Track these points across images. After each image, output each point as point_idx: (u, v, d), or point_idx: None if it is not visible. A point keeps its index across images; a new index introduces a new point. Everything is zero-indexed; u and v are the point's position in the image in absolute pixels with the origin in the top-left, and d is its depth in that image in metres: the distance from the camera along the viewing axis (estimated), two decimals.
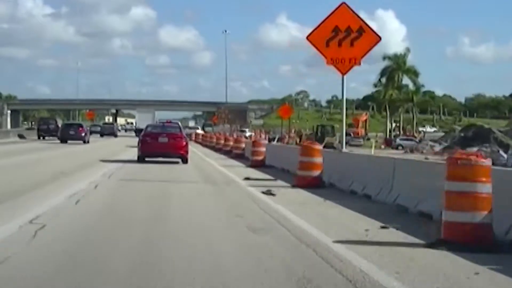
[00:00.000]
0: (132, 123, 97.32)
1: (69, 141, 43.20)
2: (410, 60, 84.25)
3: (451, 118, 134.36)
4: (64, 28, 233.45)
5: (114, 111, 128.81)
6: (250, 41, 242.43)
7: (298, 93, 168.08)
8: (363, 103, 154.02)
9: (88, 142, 45.13)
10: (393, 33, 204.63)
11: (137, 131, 53.20)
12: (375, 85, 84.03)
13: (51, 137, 50.02)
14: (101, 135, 67.48)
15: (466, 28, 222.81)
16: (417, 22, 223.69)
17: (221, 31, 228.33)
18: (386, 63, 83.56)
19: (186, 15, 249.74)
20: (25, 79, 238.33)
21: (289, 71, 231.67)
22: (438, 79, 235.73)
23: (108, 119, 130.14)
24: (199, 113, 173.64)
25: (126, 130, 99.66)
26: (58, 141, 44.22)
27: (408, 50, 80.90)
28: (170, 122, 28.59)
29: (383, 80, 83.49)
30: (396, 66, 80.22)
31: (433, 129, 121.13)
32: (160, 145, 24.05)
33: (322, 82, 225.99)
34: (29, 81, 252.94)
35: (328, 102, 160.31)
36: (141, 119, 67.29)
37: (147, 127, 26.59)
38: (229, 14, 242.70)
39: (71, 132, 45.36)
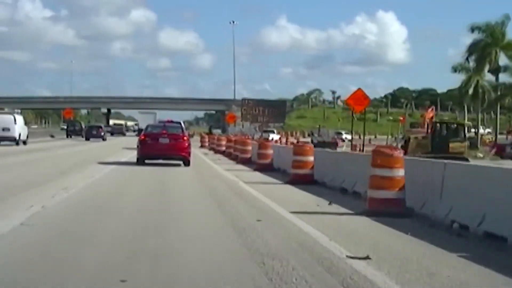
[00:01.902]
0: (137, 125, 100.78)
1: (91, 139, 58.09)
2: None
3: (504, 118, 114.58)
4: (63, 31, 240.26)
5: (105, 110, 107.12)
6: (251, 44, 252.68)
7: (311, 92, 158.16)
8: (386, 101, 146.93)
9: (105, 139, 59.60)
10: (393, 34, 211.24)
11: (140, 132, 58.24)
12: (456, 70, 58.82)
13: (76, 136, 64.60)
14: (112, 134, 79.96)
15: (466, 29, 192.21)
16: (418, 23, 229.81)
17: (221, 34, 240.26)
18: (474, 36, 60.63)
19: (186, 17, 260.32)
20: (24, 81, 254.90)
21: (289, 74, 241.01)
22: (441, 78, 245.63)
23: (109, 121, 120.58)
24: (201, 115, 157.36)
25: (134, 131, 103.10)
26: (83, 139, 58.88)
27: (507, 17, 56.06)
28: (172, 121, 27.26)
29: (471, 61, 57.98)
30: (492, 40, 57.17)
31: (487, 130, 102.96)
32: (161, 146, 23.19)
33: (321, 85, 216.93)
34: (27, 84, 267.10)
35: (393, 94, 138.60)
36: (143, 120, 73.49)
37: (147, 127, 25.78)
38: (229, 16, 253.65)
39: (93, 132, 60.88)
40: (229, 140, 36.64)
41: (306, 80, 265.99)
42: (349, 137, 67.84)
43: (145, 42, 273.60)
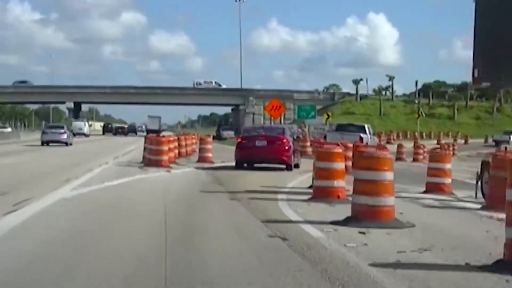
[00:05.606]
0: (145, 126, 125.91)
1: (117, 135, 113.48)
2: None
3: None
4: (54, 34, 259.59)
5: (71, 105, 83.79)
6: (242, 46, 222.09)
7: (327, 87, 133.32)
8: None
9: (126, 135, 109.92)
10: (385, 36, 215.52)
11: (148, 131, 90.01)
12: None
13: (108, 133, 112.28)
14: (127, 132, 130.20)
15: (459, 32, 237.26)
16: (410, 25, 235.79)
17: (212, 37, 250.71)
18: None
19: (178, 20, 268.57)
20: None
21: (282, 76, 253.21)
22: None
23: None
24: (194, 117, 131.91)
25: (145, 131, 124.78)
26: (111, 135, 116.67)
27: None
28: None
29: None
30: None
31: None
32: (258, 150, 23.74)
33: (314, 87, 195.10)
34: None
35: (428, 87, 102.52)
36: (151, 123, 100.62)
37: (244, 130, 28.91)
38: (222, 19, 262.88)
39: (119, 130, 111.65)
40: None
41: (299, 83, 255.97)
42: None
43: (136, 45, 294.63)
